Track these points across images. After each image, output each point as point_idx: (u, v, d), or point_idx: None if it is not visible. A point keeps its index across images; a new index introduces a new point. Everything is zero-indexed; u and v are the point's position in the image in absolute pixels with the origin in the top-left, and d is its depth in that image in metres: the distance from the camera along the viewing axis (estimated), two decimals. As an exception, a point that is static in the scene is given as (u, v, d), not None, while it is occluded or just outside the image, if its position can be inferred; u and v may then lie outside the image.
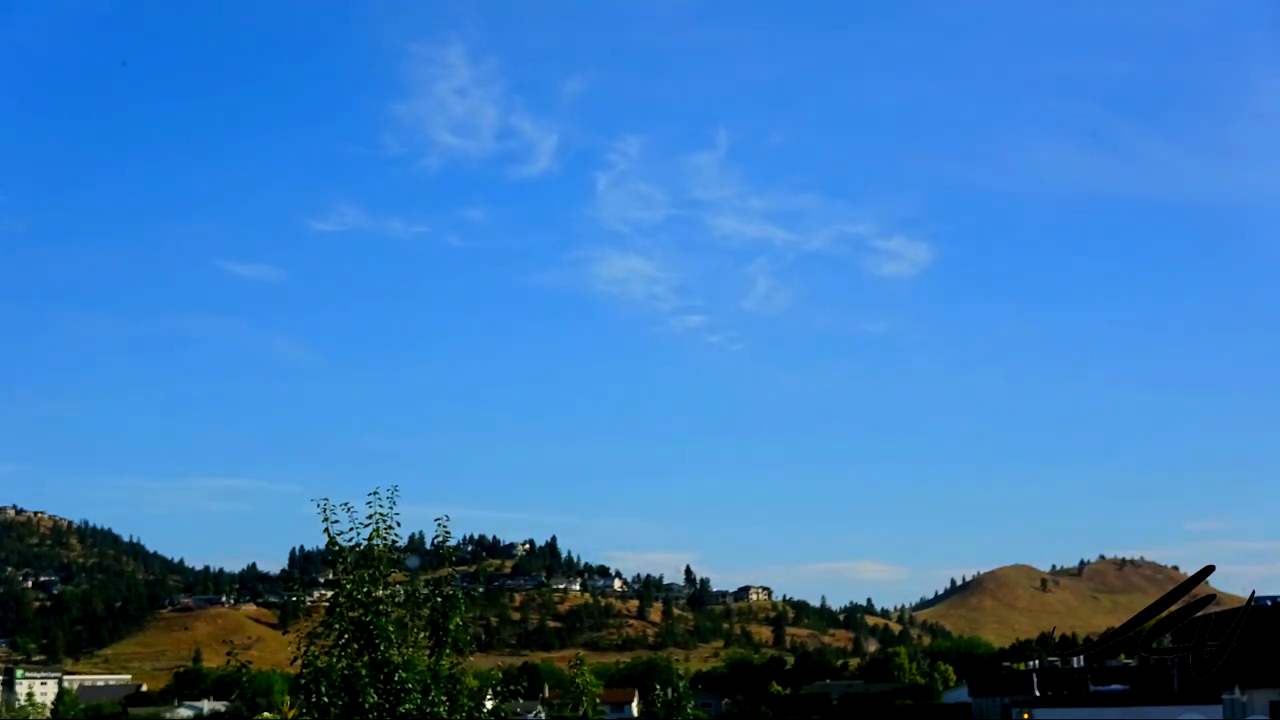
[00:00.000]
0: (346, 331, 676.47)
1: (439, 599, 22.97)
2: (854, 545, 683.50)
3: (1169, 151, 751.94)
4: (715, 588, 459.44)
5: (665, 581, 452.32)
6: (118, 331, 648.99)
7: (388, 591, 22.88)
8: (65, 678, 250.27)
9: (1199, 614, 38.36)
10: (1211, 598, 41.29)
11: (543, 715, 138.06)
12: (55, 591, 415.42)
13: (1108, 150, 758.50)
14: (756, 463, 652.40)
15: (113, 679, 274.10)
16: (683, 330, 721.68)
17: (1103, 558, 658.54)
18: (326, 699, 21.71)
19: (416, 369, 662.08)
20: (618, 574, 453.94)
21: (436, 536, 24.09)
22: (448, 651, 22.73)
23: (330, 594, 23.05)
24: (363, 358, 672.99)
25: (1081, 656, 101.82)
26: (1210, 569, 40.56)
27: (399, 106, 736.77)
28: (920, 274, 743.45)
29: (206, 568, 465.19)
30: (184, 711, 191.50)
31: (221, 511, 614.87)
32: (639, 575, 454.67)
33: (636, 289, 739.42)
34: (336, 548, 22.99)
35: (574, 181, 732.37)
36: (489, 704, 24.46)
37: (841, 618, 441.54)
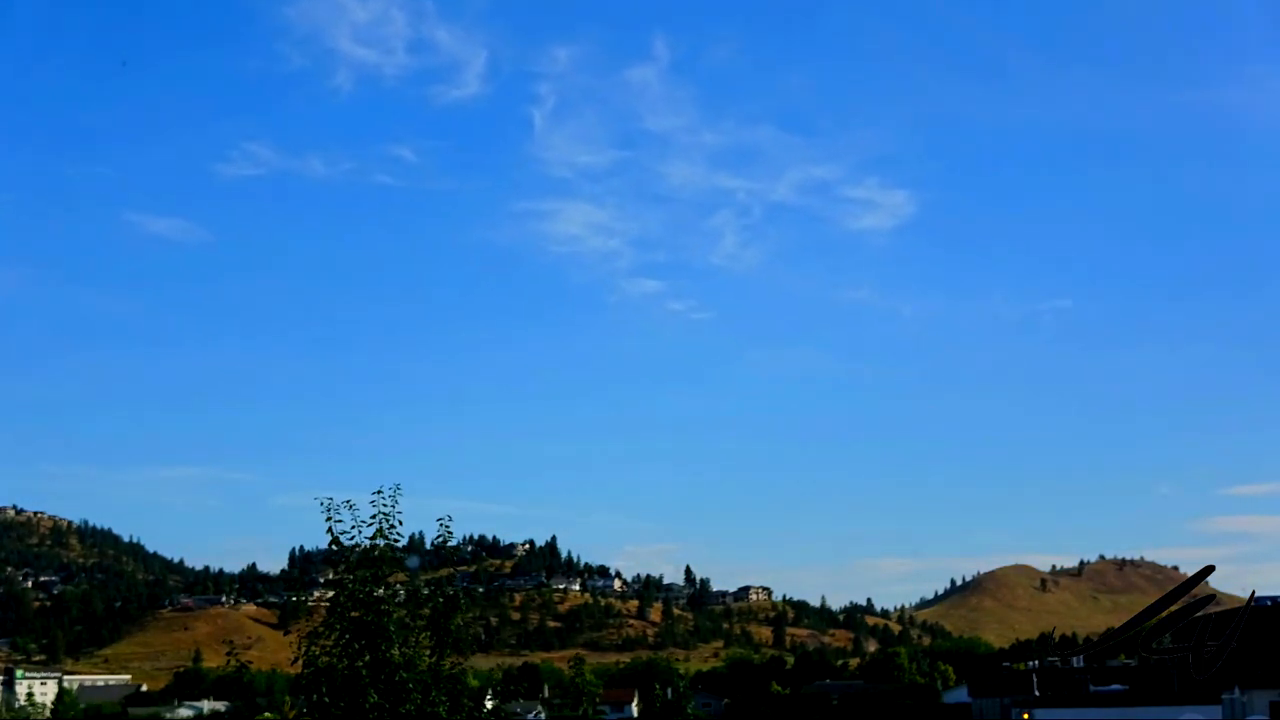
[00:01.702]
0: (279, 303, 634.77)
1: (440, 599, 22.98)
2: (854, 544, 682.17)
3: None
4: (715, 588, 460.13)
5: (665, 581, 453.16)
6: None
7: (389, 591, 22.87)
8: (65, 678, 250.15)
9: (1199, 614, 38.36)
10: (1211, 598, 41.31)
11: (543, 715, 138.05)
12: (55, 591, 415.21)
13: (1128, 76, 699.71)
14: (736, 458, 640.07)
15: (113, 679, 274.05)
16: (640, 297, 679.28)
17: (1103, 558, 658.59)
18: (327, 699, 21.72)
19: (362, 354, 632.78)
20: (618, 574, 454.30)
21: (438, 536, 24.10)
22: (448, 651, 22.73)
23: (331, 594, 23.05)
24: (308, 340, 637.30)
25: (1081, 656, 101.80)
26: (1210, 569, 40.61)
27: (290, 10, 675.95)
28: (901, 226, 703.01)
29: (206, 568, 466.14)
30: (184, 711, 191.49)
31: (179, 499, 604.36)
32: (639, 575, 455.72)
33: (591, 247, 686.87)
34: (338, 547, 23.00)
35: (508, 114, 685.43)
36: (489, 704, 24.48)
37: (841, 618, 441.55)
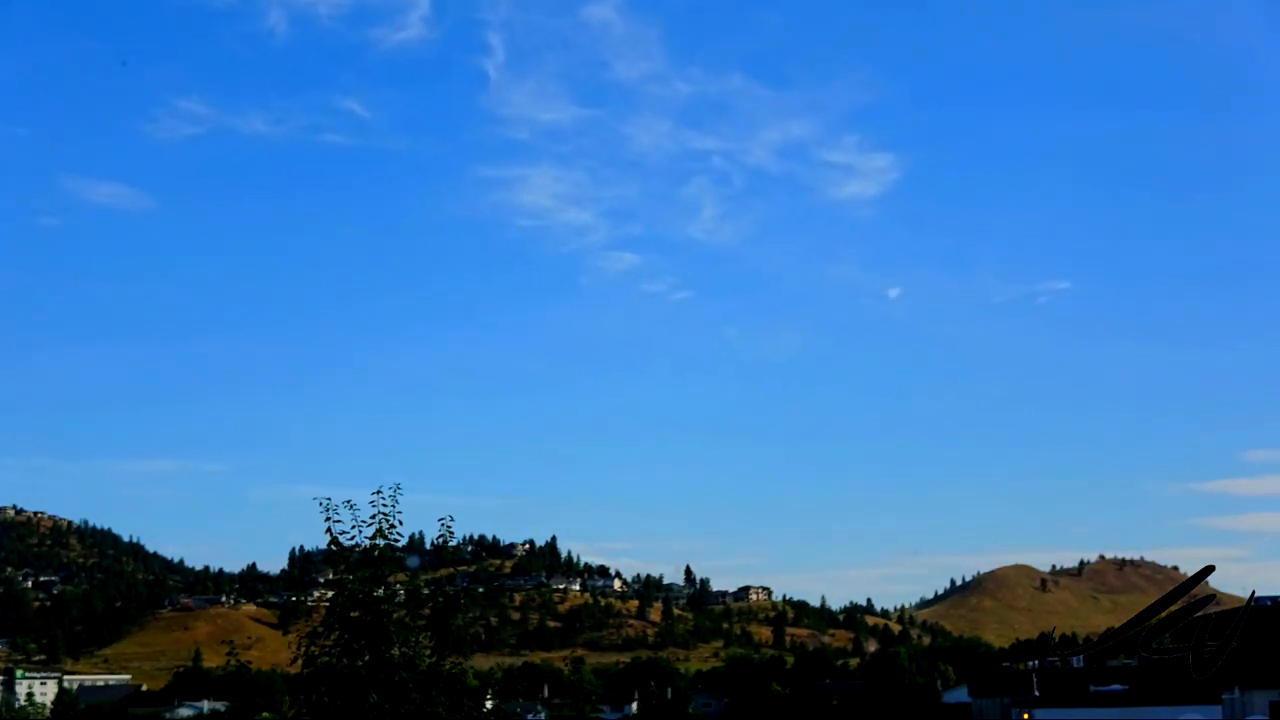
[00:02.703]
0: (229, 283, 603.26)
1: (440, 599, 22.97)
2: (854, 544, 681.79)
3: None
4: (715, 588, 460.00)
5: (665, 581, 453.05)
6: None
7: (389, 591, 22.86)
8: (65, 678, 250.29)
9: (1199, 614, 38.35)
10: (1211, 598, 41.20)
11: (543, 715, 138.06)
12: (55, 591, 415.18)
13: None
14: (732, 455, 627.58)
15: (113, 679, 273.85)
16: (617, 275, 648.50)
17: (1103, 558, 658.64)
18: (327, 699, 21.72)
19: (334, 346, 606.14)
20: (618, 574, 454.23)
21: (439, 536, 24.08)
22: (448, 651, 22.73)
23: (331, 594, 23.04)
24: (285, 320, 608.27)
25: (1081, 656, 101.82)
26: (1210, 569, 40.47)
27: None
28: (885, 195, 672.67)
29: (206, 568, 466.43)
30: (184, 711, 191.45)
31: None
32: (639, 575, 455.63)
33: (562, 221, 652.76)
34: (338, 547, 22.99)
35: (459, 60, 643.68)
36: (489, 704, 24.46)
37: (841, 618, 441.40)
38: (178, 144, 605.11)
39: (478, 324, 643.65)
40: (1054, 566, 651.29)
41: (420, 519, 25.35)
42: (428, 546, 26.19)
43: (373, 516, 22.81)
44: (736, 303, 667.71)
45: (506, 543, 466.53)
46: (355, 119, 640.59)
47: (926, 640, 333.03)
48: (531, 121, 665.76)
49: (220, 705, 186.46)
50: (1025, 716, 79.36)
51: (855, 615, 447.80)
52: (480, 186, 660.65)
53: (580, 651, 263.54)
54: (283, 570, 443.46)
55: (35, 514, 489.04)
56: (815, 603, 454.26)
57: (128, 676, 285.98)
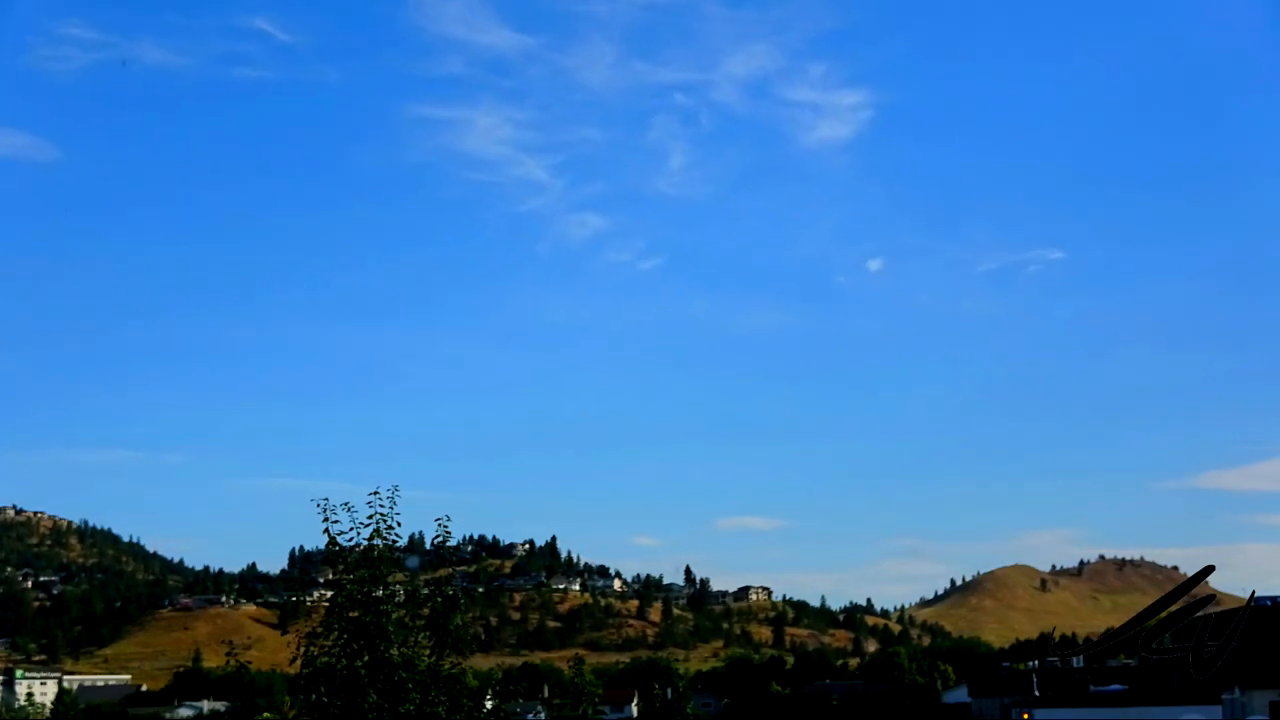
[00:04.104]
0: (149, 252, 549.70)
1: (439, 599, 22.96)
2: (853, 544, 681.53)
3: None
4: (715, 588, 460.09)
5: (665, 581, 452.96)
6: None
7: (388, 591, 22.85)
8: (65, 678, 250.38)
9: (1199, 614, 38.37)
10: (1211, 598, 41.37)
11: (543, 715, 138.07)
12: (55, 591, 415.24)
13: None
14: (728, 453, 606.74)
15: (113, 679, 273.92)
16: (582, 243, 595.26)
17: (1103, 558, 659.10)
18: (326, 699, 21.71)
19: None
20: (618, 574, 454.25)
21: (437, 536, 24.06)
22: (448, 652, 22.72)
23: (330, 594, 23.04)
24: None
25: (1081, 656, 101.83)
26: (1210, 569, 40.69)
27: None
28: (859, 139, 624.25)
29: (206, 568, 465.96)
30: (184, 711, 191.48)
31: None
32: (639, 575, 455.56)
33: (513, 175, 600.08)
34: (336, 548, 22.99)
35: None
36: (489, 704, 24.44)
37: (841, 618, 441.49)
38: (71, 79, 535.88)
39: (431, 306, 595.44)
40: (1054, 566, 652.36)
41: (418, 518, 25.34)
42: (428, 547, 26.11)
43: (370, 517, 22.81)
44: (709, 270, 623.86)
45: (506, 543, 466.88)
46: (271, 44, 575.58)
47: (926, 640, 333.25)
48: (465, 46, 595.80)
49: (220, 705, 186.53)
50: (1025, 716, 79.29)
51: (855, 615, 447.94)
52: (418, 130, 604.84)
53: (580, 651, 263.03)
54: (282, 570, 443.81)
55: (35, 514, 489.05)
56: (815, 603, 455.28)
57: (128, 676, 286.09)
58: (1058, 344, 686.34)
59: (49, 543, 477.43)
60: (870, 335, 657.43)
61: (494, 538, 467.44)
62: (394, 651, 22.03)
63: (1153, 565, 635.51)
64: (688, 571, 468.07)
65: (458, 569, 26.01)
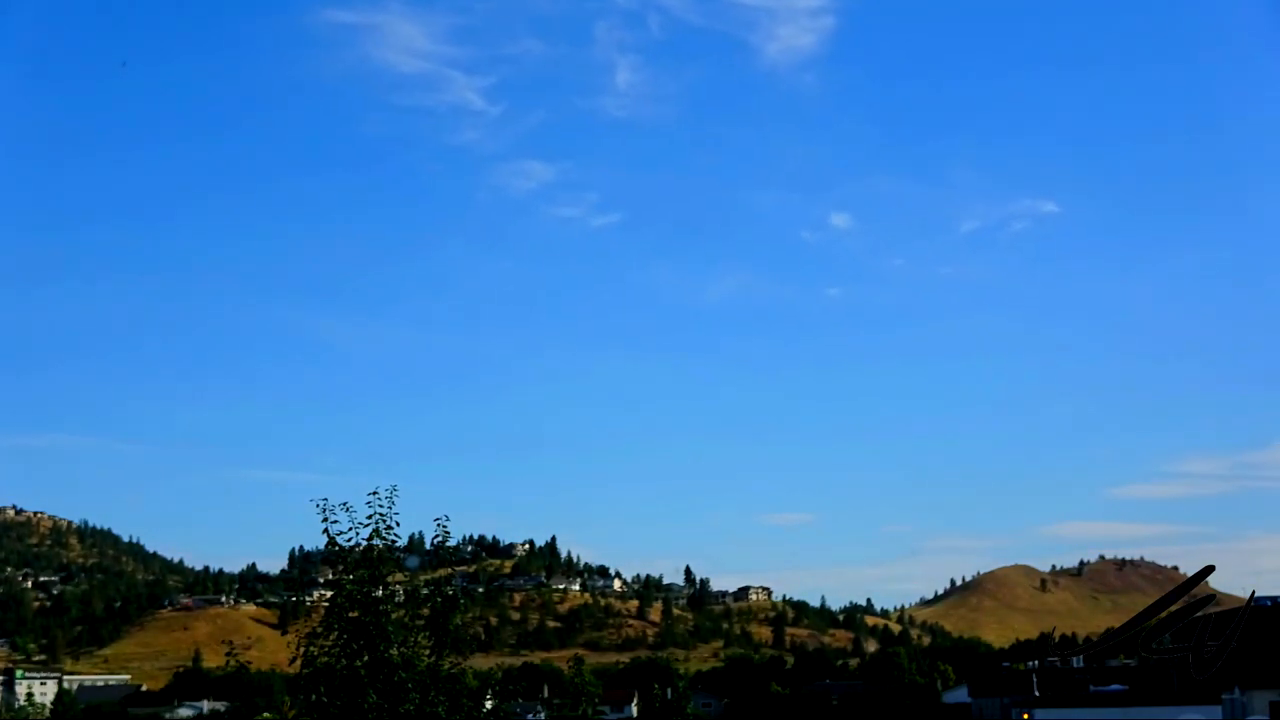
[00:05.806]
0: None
1: (439, 599, 22.96)
2: (852, 543, 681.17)
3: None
4: (715, 588, 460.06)
5: (665, 581, 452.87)
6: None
7: (387, 591, 22.86)
8: (65, 678, 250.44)
9: (1199, 614, 38.34)
10: (1211, 598, 41.30)
11: (543, 715, 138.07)
12: (55, 591, 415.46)
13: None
14: (724, 450, 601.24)
15: (112, 679, 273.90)
16: (526, 195, 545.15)
17: (1103, 558, 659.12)
18: (326, 699, 21.71)
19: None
20: (618, 574, 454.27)
21: (436, 536, 24.06)
22: (448, 651, 22.71)
23: (330, 594, 23.05)
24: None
25: (1081, 656, 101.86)
26: (1210, 569, 40.65)
27: None
28: (822, 55, 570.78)
29: (206, 568, 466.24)
30: (184, 711, 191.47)
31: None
32: (639, 575, 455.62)
33: (443, 100, 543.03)
34: (336, 548, 22.99)
35: None
36: (489, 704, 24.44)
37: (841, 618, 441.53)
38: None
39: (361, 264, 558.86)
40: (1054, 566, 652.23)
41: (416, 517, 25.34)
42: (427, 547, 26.12)
43: (369, 517, 22.83)
44: (669, 228, 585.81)
45: (506, 543, 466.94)
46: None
47: (926, 640, 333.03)
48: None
49: (220, 705, 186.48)
50: (1025, 716, 79.33)
51: (855, 615, 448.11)
52: (328, 40, 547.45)
53: (580, 651, 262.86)
54: (282, 570, 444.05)
55: (35, 514, 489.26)
56: (815, 603, 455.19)
57: (127, 676, 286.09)
58: (1062, 337, 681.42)
59: (49, 543, 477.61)
60: (849, 309, 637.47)
61: (494, 538, 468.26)
62: (394, 651, 22.04)
63: (1153, 565, 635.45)
64: (688, 571, 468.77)
65: (457, 569, 25.98)
